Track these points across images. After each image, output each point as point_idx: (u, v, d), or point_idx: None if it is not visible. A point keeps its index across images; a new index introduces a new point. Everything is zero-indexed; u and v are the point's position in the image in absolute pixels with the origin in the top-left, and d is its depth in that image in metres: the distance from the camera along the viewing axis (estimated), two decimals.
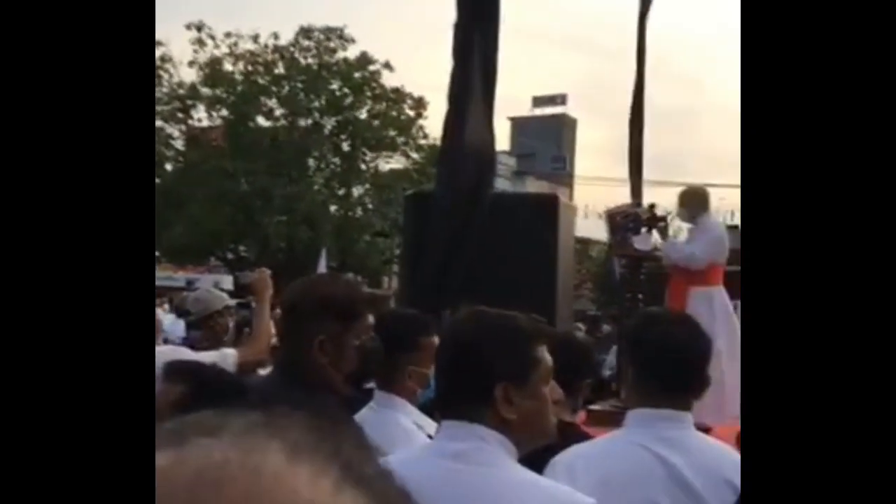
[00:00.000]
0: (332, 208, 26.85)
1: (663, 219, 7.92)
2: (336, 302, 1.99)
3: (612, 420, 3.77)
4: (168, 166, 26.24)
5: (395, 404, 2.45)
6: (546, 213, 4.75)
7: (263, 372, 3.69)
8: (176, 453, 0.38)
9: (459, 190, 4.18)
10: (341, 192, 27.65)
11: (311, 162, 27.37)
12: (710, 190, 7.79)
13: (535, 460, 1.66)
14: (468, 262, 4.21)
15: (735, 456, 1.85)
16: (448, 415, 1.51)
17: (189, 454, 0.38)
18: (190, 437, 0.39)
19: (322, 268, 16.28)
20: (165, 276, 18.20)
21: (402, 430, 2.35)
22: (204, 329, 4.56)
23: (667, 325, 2.06)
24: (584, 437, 2.43)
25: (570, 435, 2.32)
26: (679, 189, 7.38)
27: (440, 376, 1.65)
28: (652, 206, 8.07)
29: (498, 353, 1.54)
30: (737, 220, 29.15)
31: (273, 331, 3.49)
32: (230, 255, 26.97)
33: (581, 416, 2.81)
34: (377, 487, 0.39)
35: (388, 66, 26.35)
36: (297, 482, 0.37)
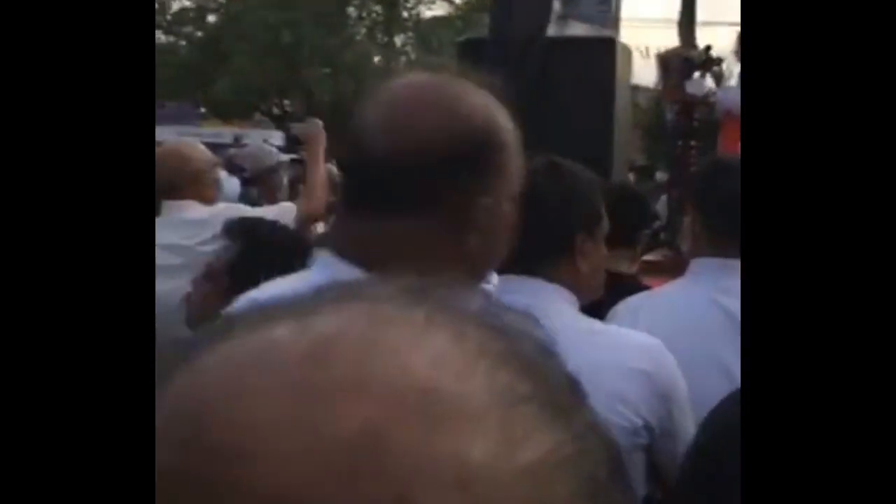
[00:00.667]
0: (376, 59, 26.41)
1: (719, 61, 7.68)
2: None
3: (666, 269, 3.77)
4: (210, 18, 25.86)
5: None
6: (602, 57, 4.57)
7: (321, 226, 3.75)
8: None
9: (514, 36, 4.06)
10: (384, 41, 27.10)
11: (352, 10, 26.74)
12: None
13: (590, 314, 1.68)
14: (523, 110, 4.13)
15: None
16: (518, 269, 1.49)
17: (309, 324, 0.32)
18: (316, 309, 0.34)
19: None
20: (213, 132, 18.20)
21: None
22: (259, 185, 4.61)
23: (733, 172, 2.02)
24: (643, 288, 2.44)
25: (630, 287, 2.32)
26: (733, 29, 7.16)
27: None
28: (707, 49, 7.81)
29: (577, 204, 1.55)
30: None
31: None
32: (276, 110, 26.91)
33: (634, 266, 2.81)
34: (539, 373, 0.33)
35: None
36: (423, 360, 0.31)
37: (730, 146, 6.45)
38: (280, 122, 24.50)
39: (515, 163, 1.06)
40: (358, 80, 24.52)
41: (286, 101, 27.15)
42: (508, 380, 0.31)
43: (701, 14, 9.37)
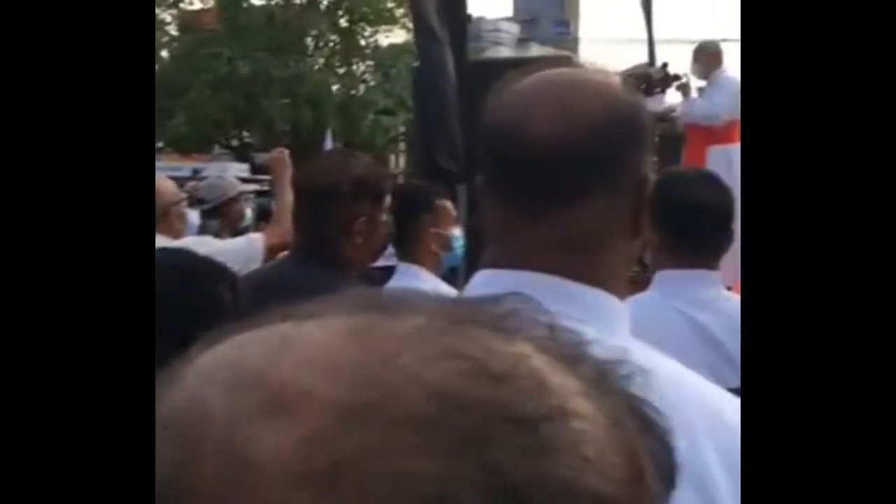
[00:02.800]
0: (334, 87, 26.45)
1: (677, 77, 7.77)
2: (370, 181, 1.97)
3: (636, 284, 3.75)
4: (164, 53, 25.73)
5: (417, 273, 2.47)
6: None
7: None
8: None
9: (433, 61, 4.11)
10: (342, 70, 27.16)
11: (309, 41, 26.78)
12: (725, 45, 7.66)
13: None
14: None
15: None
16: None
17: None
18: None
19: (328, 148, 16.16)
20: (171, 166, 18.10)
21: None
22: (220, 217, 4.53)
23: (689, 183, 2.02)
24: None
25: None
26: (691, 46, 7.28)
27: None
28: (664, 66, 7.90)
29: None
30: None
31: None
32: (234, 142, 26.78)
33: None
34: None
35: None
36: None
37: (694, 159, 6.50)
38: (240, 153, 24.40)
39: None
40: (317, 109, 24.53)
41: (245, 133, 27.03)
42: (362, 393, 0.31)
43: (659, 32, 9.56)
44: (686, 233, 1.90)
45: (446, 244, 2.45)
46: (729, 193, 1.98)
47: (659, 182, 2.24)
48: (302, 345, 0.31)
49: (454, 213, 2.69)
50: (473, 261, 2.00)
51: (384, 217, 2.03)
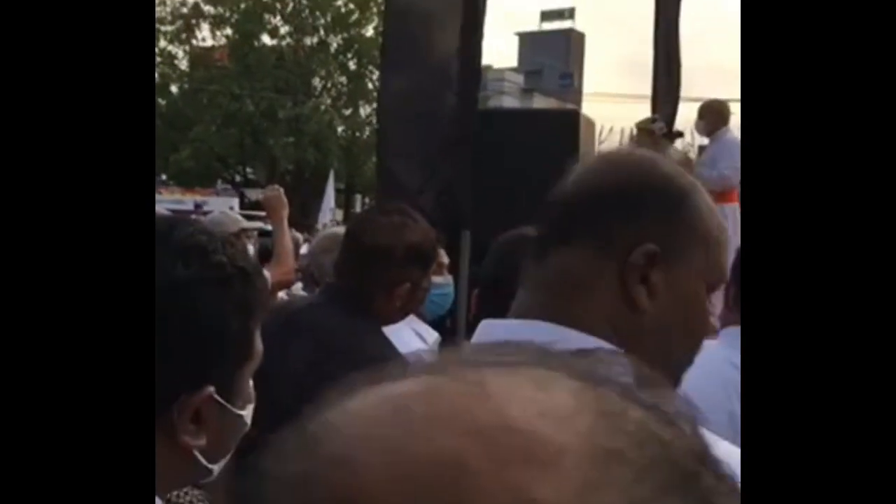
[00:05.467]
0: (340, 129, 26.65)
1: (680, 134, 7.83)
2: (423, 250, 2.00)
3: None
4: (173, 88, 25.97)
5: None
6: (566, 130, 4.62)
7: (285, 294, 3.66)
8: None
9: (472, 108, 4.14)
10: (348, 112, 27.39)
11: (316, 81, 27.05)
12: (730, 105, 7.72)
13: None
14: (484, 180, 4.15)
15: None
16: None
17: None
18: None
19: (331, 190, 16.20)
20: (174, 199, 18.17)
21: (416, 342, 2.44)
22: None
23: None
24: None
25: None
26: (691, 103, 7.32)
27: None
28: (653, 120, 7.97)
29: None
30: None
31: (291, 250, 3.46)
32: (238, 178, 26.91)
33: None
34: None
35: None
36: None
37: None
38: (243, 189, 24.50)
39: None
40: (321, 149, 24.69)
41: (248, 169, 27.18)
42: (609, 441, 0.32)
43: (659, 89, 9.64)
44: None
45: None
46: None
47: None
48: (524, 397, 0.33)
49: (442, 260, 2.68)
50: (478, 309, 2.01)
51: (426, 284, 2.06)
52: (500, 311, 0.98)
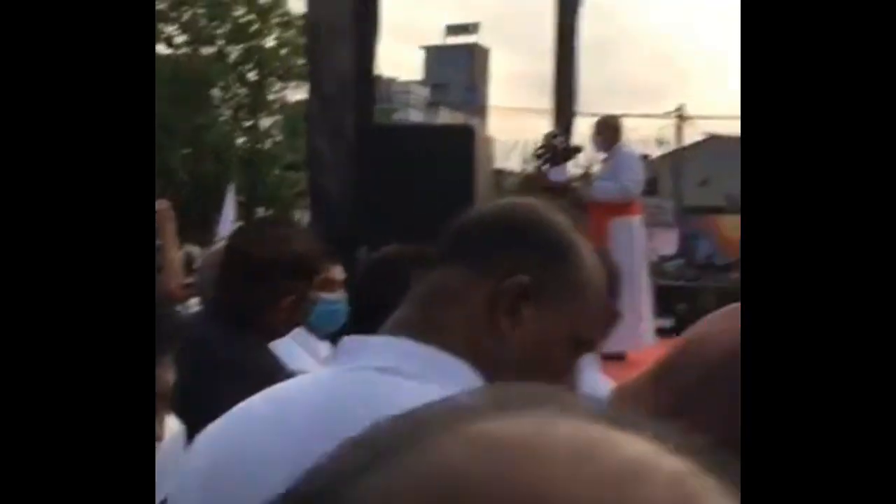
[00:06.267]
0: (240, 140, 26.26)
1: (578, 149, 7.96)
2: (308, 262, 1.98)
3: None
4: None
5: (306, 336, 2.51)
6: (462, 146, 4.59)
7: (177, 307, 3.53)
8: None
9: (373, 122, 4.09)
10: (248, 123, 27.02)
11: (216, 93, 26.60)
12: (625, 121, 7.95)
13: None
14: (382, 196, 4.11)
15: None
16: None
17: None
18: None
19: (230, 202, 15.84)
20: None
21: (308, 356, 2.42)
22: None
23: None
24: None
25: None
26: (593, 119, 7.52)
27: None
28: (567, 138, 8.09)
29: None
30: (648, 151, 30.09)
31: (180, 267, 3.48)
32: None
33: None
34: None
35: None
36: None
37: (598, 230, 6.66)
38: None
39: None
40: (220, 162, 24.25)
41: None
42: (696, 469, 0.34)
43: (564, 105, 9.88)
44: None
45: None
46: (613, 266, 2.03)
47: None
48: (626, 438, 0.34)
49: (337, 277, 2.64)
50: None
51: (312, 296, 2.03)
52: (373, 327, 1.01)
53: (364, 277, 1.92)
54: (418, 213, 3.57)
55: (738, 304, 0.90)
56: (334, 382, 0.95)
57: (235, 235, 2.27)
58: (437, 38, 54.06)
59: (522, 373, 0.94)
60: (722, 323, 0.86)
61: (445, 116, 39.89)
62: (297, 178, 25.52)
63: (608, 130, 6.98)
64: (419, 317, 0.96)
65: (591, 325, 1.02)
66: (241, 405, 0.98)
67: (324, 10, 4.58)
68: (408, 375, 0.89)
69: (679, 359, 0.86)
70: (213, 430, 0.99)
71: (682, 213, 19.38)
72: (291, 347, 2.24)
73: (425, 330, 0.94)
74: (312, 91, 4.56)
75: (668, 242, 18.32)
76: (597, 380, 1.88)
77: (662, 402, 0.83)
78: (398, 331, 0.95)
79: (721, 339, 0.82)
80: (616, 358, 6.05)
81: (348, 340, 1.00)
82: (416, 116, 38.77)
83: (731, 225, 19.91)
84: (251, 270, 1.94)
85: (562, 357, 0.99)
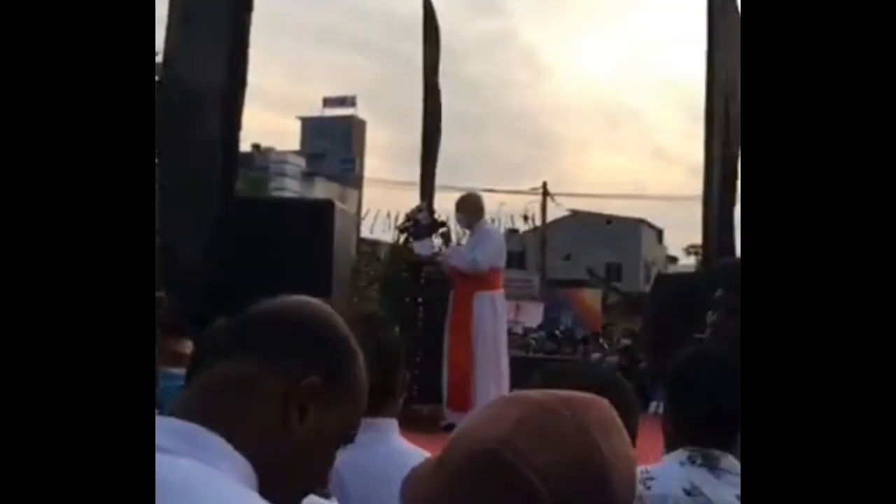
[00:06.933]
0: None
1: (443, 224, 8.18)
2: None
3: None
4: None
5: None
6: (321, 220, 4.72)
7: None
8: None
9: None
10: None
11: None
12: (493, 195, 8.19)
13: None
14: (242, 268, 4.15)
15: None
16: None
17: None
18: None
19: None
20: None
21: None
22: None
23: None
24: None
25: None
26: (457, 193, 7.70)
27: None
28: (432, 212, 8.30)
29: None
30: (517, 225, 30.42)
31: None
32: None
33: None
34: None
35: None
36: None
37: (461, 301, 6.86)
38: None
39: None
40: None
41: None
42: None
43: (439, 179, 10.06)
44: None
45: None
46: (396, 341, 1.97)
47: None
48: None
49: (185, 351, 2.66)
50: None
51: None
52: None
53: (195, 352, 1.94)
54: (276, 285, 3.62)
55: (508, 395, 1.00)
56: None
57: None
58: (315, 111, 54.22)
59: (294, 465, 1.00)
60: (477, 419, 0.94)
61: (322, 186, 39.69)
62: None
63: (468, 207, 7.13)
64: (206, 402, 0.98)
65: (358, 421, 1.08)
66: None
67: (195, 77, 4.57)
68: (176, 454, 0.91)
69: (448, 449, 0.93)
70: None
71: (547, 286, 19.63)
72: None
73: (211, 416, 0.96)
74: (176, 158, 4.53)
75: (533, 315, 18.58)
76: (401, 447, 1.88)
77: (436, 487, 0.90)
78: (181, 413, 0.97)
79: (468, 439, 0.90)
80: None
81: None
82: (291, 185, 38.44)
83: (591, 297, 20.45)
84: None
85: (330, 455, 1.05)
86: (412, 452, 1.84)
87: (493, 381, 6.69)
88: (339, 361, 1.04)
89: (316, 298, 1.11)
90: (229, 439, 0.94)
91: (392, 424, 1.90)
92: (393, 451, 1.85)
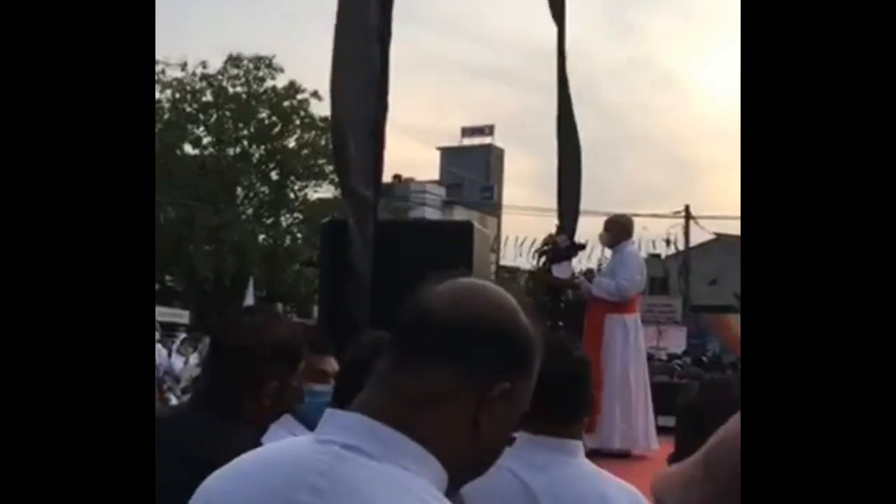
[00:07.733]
0: (261, 237, 26.58)
1: (582, 247, 8.15)
2: (288, 347, 2.00)
3: None
4: None
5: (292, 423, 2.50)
6: (460, 240, 4.85)
7: None
8: None
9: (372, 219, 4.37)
10: (269, 221, 27.40)
11: (239, 191, 27.10)
12: (636, 220, 8.02)
13: None
14: (383, 290, 4.30)
15: (612, 492, 1.86)
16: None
17: None
18: None
19: (250, 297, 16.05)
20: None
21: None
22: None
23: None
24: None
25: None
26: (602, 218, 7.65)
27: None
28: (571, 236, 8.31)
29: None
30: (658, 249, 29.61)
31: None
32: (157, 286, 26.45)
33: None
34: None
35: (316, 95, 26.36)
36: None
37: (594, 325, 6.82)
38: (162, 297, 24.09)
39: None
40: (241, 257, 24.52)
41: (168, 277, 26.81)
42: None
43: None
44: (539, 399, 1.88)
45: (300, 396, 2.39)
46: (580, 360, 2.01)
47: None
48: None
49: (329, 369, 2.63)
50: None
51: (295, 382, 2.03)
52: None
53: (346, 363, 1.99)
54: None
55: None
56: (301, 449, 1.03)
57: (218, 326, 2.26)
58: (454, 141, 55.03)
59: (480, 456, 1.07)
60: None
61: (461, 215, 40.07)
62: (315, 274, 25.76)
63: (616, 228, 7.08)
64: (401, 409, 1.01)
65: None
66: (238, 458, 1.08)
67: (348, 111, 4.81)
68: (369, 455, 0.96)
69: (718, 452, 0.94)
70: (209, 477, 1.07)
71: (690, 312, 19.05)
72: (279, 434, 2.07)
73: (407, 423, 1.00)
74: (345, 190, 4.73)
75: (675, 341, 18.06)
76: (592, 470, 1.92)
77: (708, 492, 0.91)
78: (366, 410, 1.01)
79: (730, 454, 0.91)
80: (621, 456, 6.08)
81: (328, 413, 1.06)
82: (432, 214, 39.03)
83: (737, 323, 19.66)
84: (226, 358, 1.95)
85: (509, 437, 1.10)
86: (604, 477, 1.87)
87: (619, 403, 6.57)
88: (525, 359, 1.08)
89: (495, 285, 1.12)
90: (426, 444, 1.00)
91: (579, 447, 1.93)
92: (587, 475, 1.89)
